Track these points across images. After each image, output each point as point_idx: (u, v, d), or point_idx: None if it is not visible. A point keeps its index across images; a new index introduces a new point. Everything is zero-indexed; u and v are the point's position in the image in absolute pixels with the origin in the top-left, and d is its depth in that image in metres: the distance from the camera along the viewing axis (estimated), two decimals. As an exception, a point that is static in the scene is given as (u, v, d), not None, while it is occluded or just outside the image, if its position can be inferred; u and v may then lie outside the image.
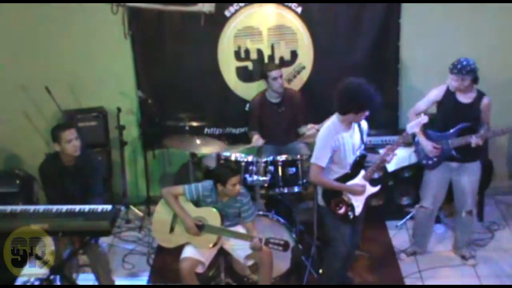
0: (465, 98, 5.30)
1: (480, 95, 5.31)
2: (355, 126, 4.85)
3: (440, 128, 5.44)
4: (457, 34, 6.35)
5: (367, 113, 4.71)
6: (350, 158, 4.83)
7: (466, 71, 5.14)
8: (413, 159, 5.85)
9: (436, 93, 5.39)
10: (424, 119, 4.84)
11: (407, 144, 5.90)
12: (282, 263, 5.41)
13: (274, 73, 6.01)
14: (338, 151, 4.74)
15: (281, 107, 6.15)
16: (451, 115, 5.35)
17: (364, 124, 4.94)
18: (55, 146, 5.07)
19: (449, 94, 5.33)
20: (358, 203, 4.92)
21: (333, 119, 4.80)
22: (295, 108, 6.17)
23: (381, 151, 5.01)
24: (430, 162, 5.48)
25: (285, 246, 4.89)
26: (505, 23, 6.34)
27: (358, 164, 4.87)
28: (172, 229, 5.11)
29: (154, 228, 5.23)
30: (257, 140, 6.11)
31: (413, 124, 4.82)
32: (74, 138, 5.03)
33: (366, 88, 4.65)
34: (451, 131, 5.35)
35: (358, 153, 4.88)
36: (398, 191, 6.40)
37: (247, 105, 6.43)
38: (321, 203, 4.95)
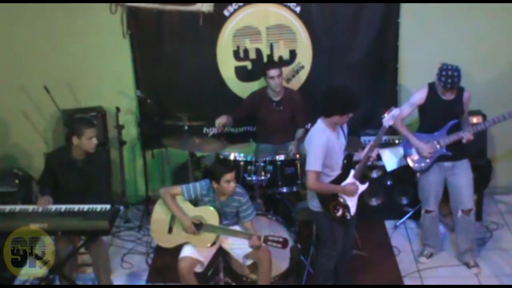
0: (446, 96, 5.31)
1: (461, 89, 5.33)
2: (338, 126, 4.89)
3: (427, 129, 5.45)
4: (455, 33, 6.36)
5: (351, 115, 4.75)
6: (340, 160, 4.87)
7: (459, 82, 5.17)
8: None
9: (419, 96, 5.40)
10: (396, 110, 4.88)
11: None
12: (281, 262, 5.41)
13: (271, 72, 6.01)
14: (329, 154, 4.76)
15: (280, 106, 6.15)
16: (438, 115, 5.36)
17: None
18: (74, 139, 5.11)
19: (433, 95, 5.34)
20: (352, 203, 4.95)
21: (319, 124, 4.83)
22: (294, 109, 6.17)
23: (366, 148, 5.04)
24: (422, 165, 5.48)
25: (284, 243, 4.89)
26: (504, 23, 6.34)
27: (347, 164, 4.90)
28: (170, 229, 5.11)
29: (153, 228, 5.22)
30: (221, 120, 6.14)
31: (388, 118, 4.85)
32: (95, 137, 5.14)
33: (349, 90, 4.75)
34: (441, 130, 5.37)
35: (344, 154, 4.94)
36: (397, 191, 6.40)
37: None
38: (314, 208, 4.96)
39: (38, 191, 5.63)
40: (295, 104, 6.17)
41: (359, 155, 4.98)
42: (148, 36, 6.43)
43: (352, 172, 4.91)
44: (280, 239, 4.89)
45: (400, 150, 5.69)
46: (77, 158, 5.18)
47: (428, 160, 5.44)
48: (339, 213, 4.87)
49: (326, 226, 4.96)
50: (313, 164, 4.75)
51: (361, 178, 4.95)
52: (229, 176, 4.93)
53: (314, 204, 4.94)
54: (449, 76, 5.14)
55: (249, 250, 5.02)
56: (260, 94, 6.23)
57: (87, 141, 5.09)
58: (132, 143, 6.78)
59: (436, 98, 5.33)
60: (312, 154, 4.76)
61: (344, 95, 4.71)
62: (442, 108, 5.33)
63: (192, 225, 4.99)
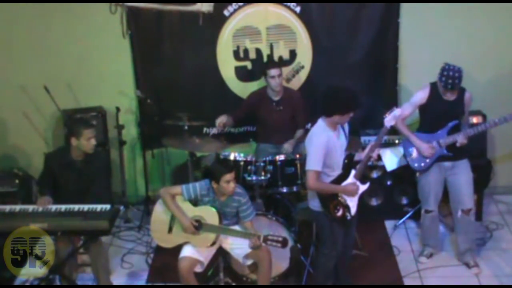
0: (447, 96, 5.31)
1: (462, 90, 5.33)
2: (339, 126, 4.89)
3: (427, 129, 5.45)
4: (455, 33, 6.36)
5: (351, 114, 4.74)
6: (340, 160, 4.86)
7: (460, 83, 5.17)
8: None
9: (421, 96, 5.40)
10: (397, 111, 4.86)
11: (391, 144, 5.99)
12: (281, 262, 5.41)
13: (272, 72, 6.01)
14: (329, 154, 4.76)
15: (280, 106, 6.14)
16: (440, 115, 5.35)
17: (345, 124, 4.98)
18: (72, 140, 5.10)
19: (435, 95, 5.34)
20: (353, 203, 4.95)
21: (320, 124, 4.83)
22: (294, 109, 6.16)
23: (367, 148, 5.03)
24: (422, 164, 5.47)
25: (284, 242, 4.88)
26: (503, 23, 6.34)
27: (348, 164, 4.89)
28: (170, 229, 5.11)
29: (153, 228, 5.22)
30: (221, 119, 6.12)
31: (389, 118, 4.82)
32: (94, 137, 5.12)
33: (349, 90, 4.75)
34: (442, 130, 5.37)
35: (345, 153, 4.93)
36: (397, 191, 6.40)
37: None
38: (314, 208, 4.96)
39: (38, 191, 5.62)
40: (295, 103, 6.16)
41: (360, 155, 4.98)
42: (148, 36, 6.43)
43: (353, 172, 4.91)
44: (280, 239, 4.89)
45: (400, 150, 5.69)
46: (76, 158, 5.18)
47: (428, 160, 5.44)
48: (340, 213, 4.87)
49: (326, 226, 4.96)
50: (313, 163, 4.75)
51: (362, 178, 4.95)
52: (229, 176, 4.93)
53: (314, 204, 4.94)
54: (450, 76, 5.13)
55: (249, 249, 5.01)
56: (260, 93, 6.23)
57: (86, 142, 5.09)
58: (132, 143, 6.78)
59: (438, 98, 5.33)
60: (312, 154, 4.76)
61: (344, 94, 4.71)
62: (444, 108, 5.32)
63: (191, 225, 4.99)
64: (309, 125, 6.34)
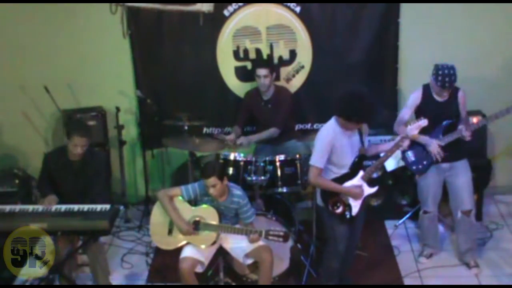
0: (442, 97, 5.30)
1: (455, 89, 5.32)
2: None
3: (423, 131, 5.43)
4: (456, 33, 6.36)
5: (358, 125, 4.73)
6: (349, 159, 4.84)
7: (456, 81, 5.16)
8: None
9: (414, 98, 5.39)
10: (424, 121, 4.84)
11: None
12: (281, 262, 5.40)
13: (257, 71, 6.00)
14: (336, 153, 4.75)
15: (269, 105, 6.12)
16: (432, 116, 5.31)
17: (364, 125, 4.94)
18: (66, 140, 5.10)
19: (427, 96, 5.33)
20: (356, 203, 4.93)
21: (331, 121, 4.82)
22: (280, 106, 6.12)
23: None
24: (420, 166, 5.45)
25: (285, 236, 4.89)
26: (503, 23, 6.34)
27: (357, 165, 4.87)
28: (170, 231, 5.10)
29: (152, 231, 5.20)
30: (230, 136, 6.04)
31: (413, 127, 4.81)
32: (81, 146, 5.06)
33: (363, 101, 4.64)
34: (436, 130, 5.35)
35: (357, 154, 4.89)
36: (397, 191, 6.40)
37: None
38: (319, 203, 4.96)
39: (38, 192, 5.61)
40: (280, 101, 6.10)
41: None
42: (148, 36, 6.43)
43: (361, 173, 4.88)
44: (281, 233, 4.89)
45: (399, 153, 5.67)
46: (73, 159, 5.16)
47: (425, 162, 5.42)
48: (339, 210, 4.87)
49: (328, 222, 4.97)
50: (315, 160, 4.76)
51: (370, 182, 4.92)
52: (207, 182, 4.90)
53: (319, 199, 4.95)
54: (446, 75, 5.12)
55: (250, 249, 5.02)
56: (253, 93, 6.22)
57: (72, 147, 5.06)
58: (132, 143, 6.78)
59: (430, 99, 5.32)
60: (317, 150, 4.77)
61: (355, 103, 4.62)
62: (436, 110, 5.30)
63: (189, 229, 4.98)
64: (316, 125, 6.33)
